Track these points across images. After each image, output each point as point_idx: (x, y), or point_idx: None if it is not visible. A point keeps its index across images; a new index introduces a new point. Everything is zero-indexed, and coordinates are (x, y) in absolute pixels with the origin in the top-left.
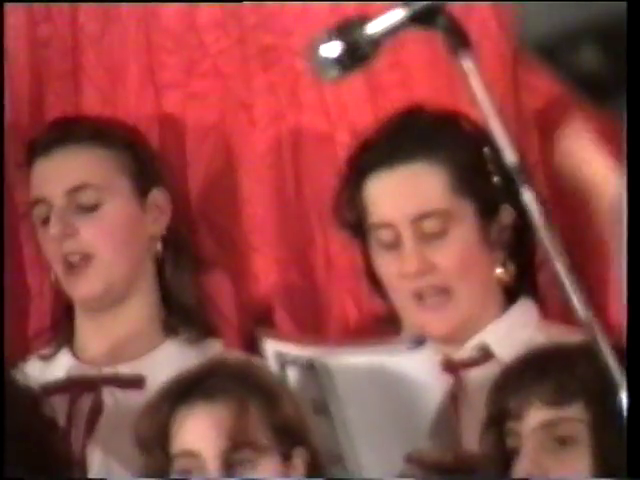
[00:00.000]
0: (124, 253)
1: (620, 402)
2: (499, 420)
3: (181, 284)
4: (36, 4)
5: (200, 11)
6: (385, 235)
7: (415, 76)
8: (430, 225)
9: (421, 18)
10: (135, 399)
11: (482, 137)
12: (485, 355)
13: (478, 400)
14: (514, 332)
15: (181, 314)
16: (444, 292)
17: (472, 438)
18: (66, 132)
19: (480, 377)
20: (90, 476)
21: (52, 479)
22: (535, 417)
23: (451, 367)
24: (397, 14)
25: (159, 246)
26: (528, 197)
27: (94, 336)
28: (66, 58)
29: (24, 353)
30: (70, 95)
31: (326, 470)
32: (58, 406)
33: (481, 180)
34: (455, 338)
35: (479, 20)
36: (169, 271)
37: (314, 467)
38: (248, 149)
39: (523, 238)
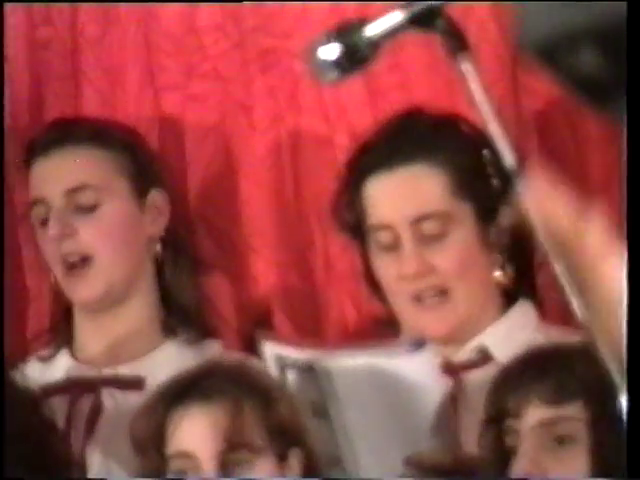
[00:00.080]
0: (123, 254)
1: (619, 401)
2: (498, 419)
3: (180, 285)
4: (36, 5)
5: (199, 13)
6: (384, 237)
7: (414, 78)
8: (429, 227)
9: (420, 21)
10: (135, 400)
11: (481, 139)
12: (484, 357)
13: (477, 402)
14: (513, 334)
15: (180, 315)
16: (442, 293)
17: (471, 440)
18: (65, 133)
19: (479, 379)
20: (89, 477)
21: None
22: (534, 415)
23: (450, 369)
24: (396, 16)
25: (158, 247)
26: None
27: (93, 337)
28: (66, 60)
29: (23, 354)
30: (70, 97)
31: (322, 471)
32: (57, 407)
33: (480, 182)
34: (454, 340)
35: (478, 22)
36: (168, 272)
37: (310, 468)
38: (247, 151)
39: (522, 240)
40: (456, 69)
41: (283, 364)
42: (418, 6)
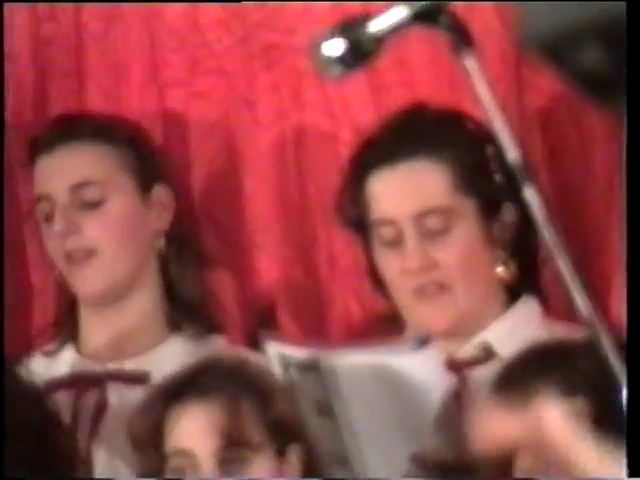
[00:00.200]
0: (128, 249)
1: (622, 398)
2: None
3: (184, 280)
4: (40, 3)
5: (203, 10)
6: (387, 232)
7: (418, 74)
8: (432, 222)
9: (424, 16)
10: (140, 395)
11: (485, 135)
12: (488, 354)
13: (482, 399)
14: (517, 330)
15: (184, 310)
16: (446, 289)
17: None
18: (69, 129)
19: (483, 376)
20: (95, 472)
21: (57, 476)
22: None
23: (454, 366)
24: (400, 12)
25: (162, 242)
26: (530, 195)
27: (98, 332)
28: (70, 56)
29: (28, 349)
30: (74, 93)
31: (325, 467)
32: (62, 402)
33: (483, 178)
34: (457, 335)
35: (482, 19)
36: (172, 267)
37: (310, 464)
38: (251, 147)
39: (525, 236)
40: (460, 65)
41: (287, 363)
42: (422, 2)
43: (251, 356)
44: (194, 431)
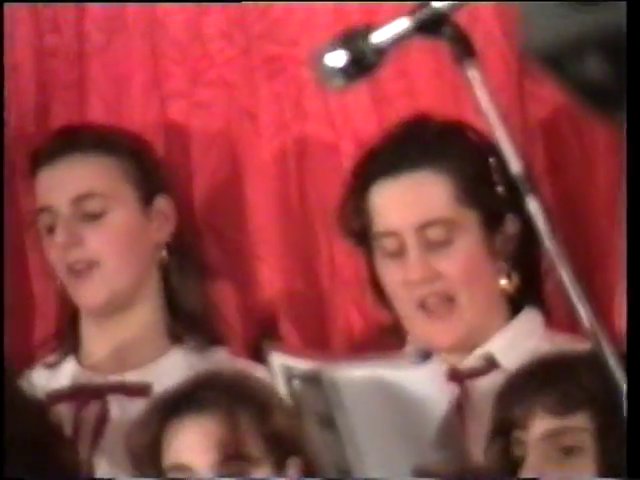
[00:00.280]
0: (129, 260)
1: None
2: (505, 429)
3: (186, 291)
4: (40, 6)
5: (205, 21)
6: (390, 244)
7: (420, 85)
8: (435, 233)
9: (426, 27)
10: (141, 407)
11: (487, 146)
12: (490, 365)
13: (484, 410)
14: (519, 342)
15: (186, 321)
16: (448, 300)
17: (478, 448)
18: (71, 141)
19: (486, 387)
20: None
21: None
22: (540, 427)
23: (457, 377)
24: (402, 23)
25: (164, 253)
26: (533, 207)
27: (100, 343)
28: (72, 67)
29: (29, 361)
30: (75, 104)
31: (323, 479)
32: (64, 414)
33: (486, 189)
34: (460, 347)
35: (484, 29)
36: (174, 278)
37: (310, 477)
38: (253, 158)
39: (528, 248)
40: (462, 76)
41: (289, 375)
42: (424, 13)
43: (252, 368)
44: (192, 446)
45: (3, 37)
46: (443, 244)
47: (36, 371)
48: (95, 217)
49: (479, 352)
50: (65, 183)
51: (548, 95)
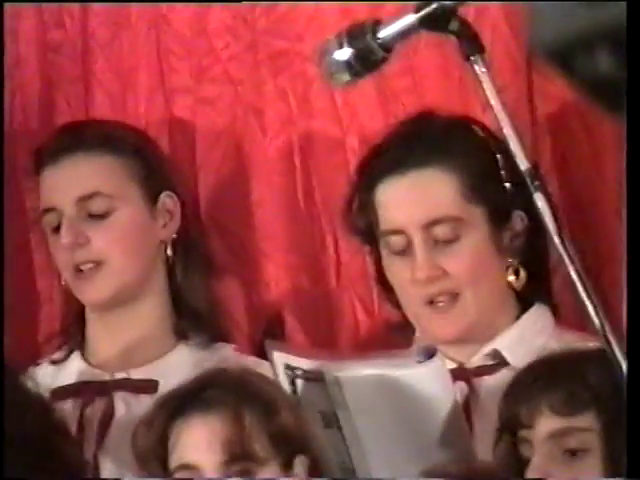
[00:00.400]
0: (135, 259)
1: None
2: (511, 429)
3: (192, 288)
4: (44, 5)
5: (210, 16)
6: (396, 241)
7: (427, 81)
8: (441, 231)
9: (433, 23)
10: (147, 404)
11: (494, 142)
12: (498, 362)
13: (491, 408)
14: (527, 339)
15: (192, 318)
16: (455, 298)
17: (485, 446)
18: (75, 139)
19: (493, 385)
20: None
21: None
22: (545, 426)
23: (464, 375)
24: (408, 19)
25: (169, 250)
26: (541, 203)
27: (105, 340)
28: (76, 63)
29: (35, 358)
30: (80, 100)
31: (330, 478)
32: (69, 411)
33: (493, 186)
34: (467, 343)
35: (491, 25)
36: (180, 275)
37: (317, 474)
38: (258, 154)
39: (536, 244)
40: (469, 72)
41: (293, 374)
42: (431, 8)
43: (257, 366)
44: (198, 445)
45: (3, 34)
46: (450, 242)
47: (41, 368)
48: (100, 217)
49: (486, 349)
50: (70, 183)
51: (556, 91)
